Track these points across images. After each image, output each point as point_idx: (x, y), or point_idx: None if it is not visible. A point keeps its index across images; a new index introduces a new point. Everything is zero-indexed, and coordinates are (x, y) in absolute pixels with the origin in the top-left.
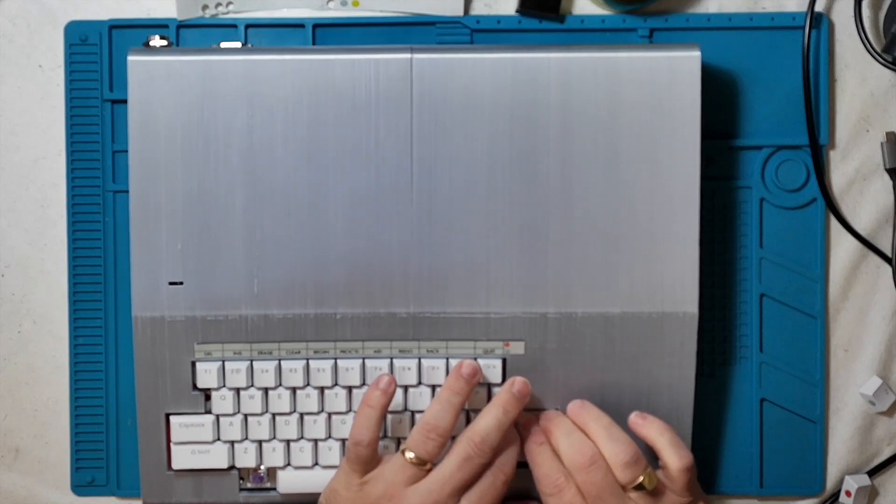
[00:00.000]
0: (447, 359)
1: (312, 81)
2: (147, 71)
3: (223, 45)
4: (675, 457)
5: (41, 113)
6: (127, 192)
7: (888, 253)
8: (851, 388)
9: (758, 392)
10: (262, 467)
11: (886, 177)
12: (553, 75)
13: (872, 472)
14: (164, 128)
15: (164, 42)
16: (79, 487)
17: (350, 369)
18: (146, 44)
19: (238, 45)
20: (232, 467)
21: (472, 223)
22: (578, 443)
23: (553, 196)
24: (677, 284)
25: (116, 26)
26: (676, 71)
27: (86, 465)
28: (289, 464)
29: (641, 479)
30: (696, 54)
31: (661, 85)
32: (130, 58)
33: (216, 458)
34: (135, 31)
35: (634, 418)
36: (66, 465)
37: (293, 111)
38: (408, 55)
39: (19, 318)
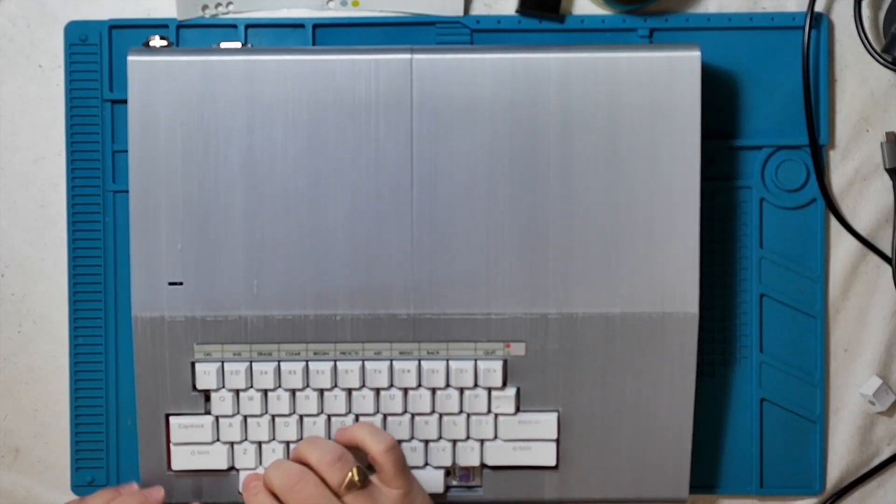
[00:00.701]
0: (447, 360)
1: (312, 82)
2: (147, 71)
3: (223, 45)
4: (374, 442)
5: (41, 113)
6: (127, 192)
7: (888, 253)
8: (851, 388)
9: (758, 392)
10: (262, 468)
11: (886, 177)
12: (553, 75)
13: (872, 473)
14: (164, 128)
15: (164, 42)
16: (79, 487)
17: (350, 371)
18: (146, 44)
19: (238, 45)
20: (231, 468)
21: (473, 223)
22: (286, 468)
23: (553, 196)
24: (677, 284)
25: (116, 26)
26: (676, 71)
27: (86, 465)
28: None
29: (350, 475)
30: (696, 54)
31: (661, 85)
32: (130, 58)
33: (216, 458)
34: (135, 31)
35: (338, 431)
36: (66, 465)
37: (293, 111)
38: (408, 55)
39: (19, 318)
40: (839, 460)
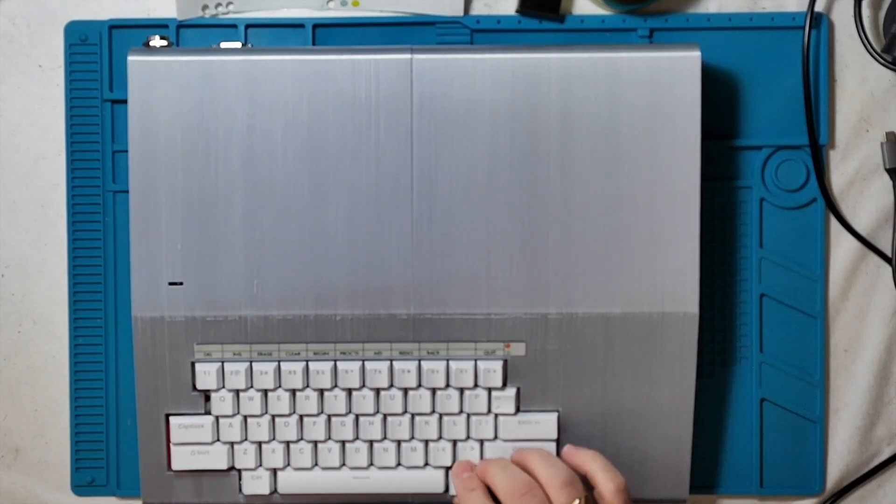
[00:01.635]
0: (447, 360)
1: (312, 82)
2: (147, 71)
3: (223, 45)
4: (607, 479)
5: (41, 113)
6: (127, 192)
7: (888, 253)
8: (851, 388)
9: (758, 392)
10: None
11: (886, 177)
12: (553, 76)
13: (872, 472)
14: (164, 128)
15: (164, 42)
16: (79, 487)
17: (349, 371)
18: (146, 44)
19: (238, 45)
20: (231, 468)
21: (473, 223)
22: (513, 475)
23: (553, 196)
24: (678, 284)
25: (116, 26)
26: (676, 71)
27: (86, 465)
28: (288, 465)
29: (577, 501)
30: (696, 54)
31: (661, 85)
32: (130, 58)
33: (216, 458)
34: (135, 31)
35: (567, 449)
36: (66, 465)
37: (293, 111)
38: (408, 56)
39: (19, 318)
40: (839, 460)
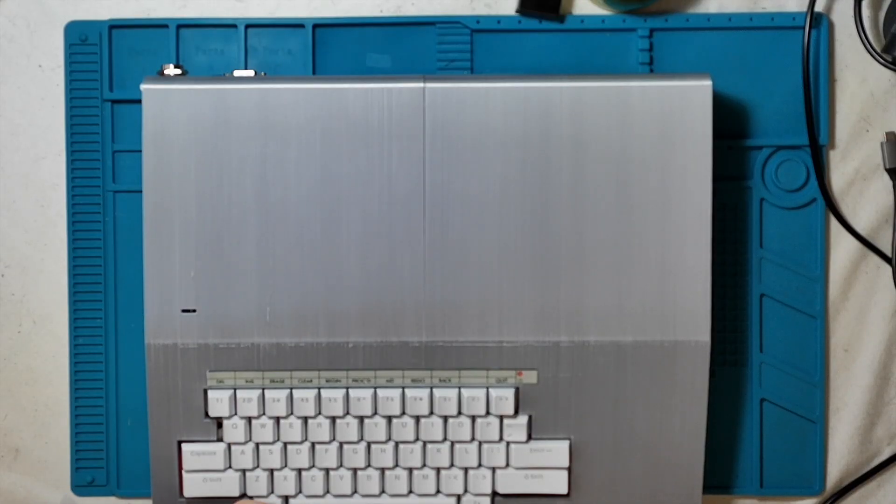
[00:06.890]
0: (459, 388)
1: (325, 110)
2: (161, 100)
3: (236, 73)
4: None
5: (41, 113)
6: (127, 191)
7: (888, 253)
8: (851, 388)
9: (758, 392)
10: (274, 496)
11: (886, 177)
12: (564, 104)
13: (872, 472)
14: (178, 156)
15: (178, 70)
16: (79, 487)
17: (362, 399)
18: (160, 72)
19: (251, 73)
20: (244, 495)
21: (485, 251)
22: None
23: (565, 224)
24: (689, 313)
25: (116, 26)
26: (688, 100)
27: (86, 465)
28: (300, 492)
29: None
30: (707, 83)
31: (672, 114)
32: (144, 86)
33: (228, 485)
34: (135, 31)
35: None
36: (66, 465)
37: (306, 140)
38: (420, 84)
39: (19, 318)
40: (839, 460)
